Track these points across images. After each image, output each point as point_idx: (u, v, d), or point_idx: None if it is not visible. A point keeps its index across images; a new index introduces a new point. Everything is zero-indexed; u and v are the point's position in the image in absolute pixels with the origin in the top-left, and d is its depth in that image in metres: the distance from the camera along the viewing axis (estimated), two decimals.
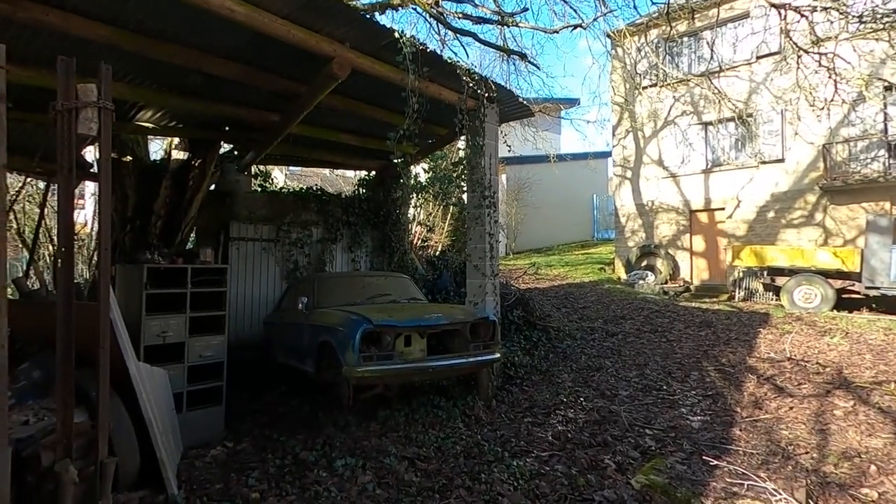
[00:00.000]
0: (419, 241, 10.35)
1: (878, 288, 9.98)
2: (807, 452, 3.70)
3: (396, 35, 4.22)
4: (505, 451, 3.83)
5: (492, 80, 5.36)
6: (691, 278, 15.03)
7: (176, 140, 6.54)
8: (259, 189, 8.14)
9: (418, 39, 4.40)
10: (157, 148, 11.09)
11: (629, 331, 7.94)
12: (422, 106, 4.82)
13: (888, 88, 11.53)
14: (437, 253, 11.57)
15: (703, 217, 15.03)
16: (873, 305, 10.43)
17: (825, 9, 7.49)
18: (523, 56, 7.54)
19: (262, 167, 8.41)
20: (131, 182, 6.12)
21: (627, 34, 9.84)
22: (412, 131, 4.63)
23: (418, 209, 10.31)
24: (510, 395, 5.32)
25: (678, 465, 3.51)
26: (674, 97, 15.34)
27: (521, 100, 6.07)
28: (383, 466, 3.53)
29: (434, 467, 3.56)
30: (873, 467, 3.41)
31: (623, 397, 5.10)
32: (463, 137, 6.20)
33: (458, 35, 9.08)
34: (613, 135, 17.01)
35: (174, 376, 4.11)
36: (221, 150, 7.37)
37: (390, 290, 5.84)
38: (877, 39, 9.00)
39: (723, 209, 14.47)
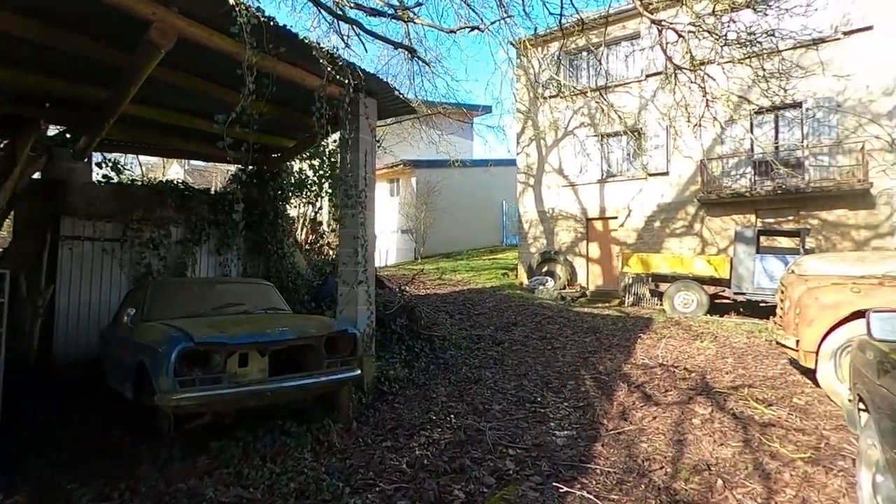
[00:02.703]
0: (307, 245, 9.60)
1: (744, 293, 10.82)
2: (661, 468, 3.59)
3: (232, 2, 3.60)
4: (347, 487, 3.34)
5: (361, 69, 4.88)
6: (587, 284, 15.57)
7: None
8: (103, 180, 7.00)
9: (263, 11, 3.80)
10: None
11: (517, 338, 7.82)
12: (280, 90, 4.24)
13: (756, 112, 12.66)
14: (332, 257, 10.86)
15: (599, 225, 15.66)
16: (740, 309, 11.30)
17: (697, 27, 7.91)
18: (412, 50, 7.13)
19: (110, 155, 7.26)
20: None
21: (529, 45, 9.88)
22: (249, 116, 4.00)
23: (307, 209, 9.55)
24: (377, 413, 4.85)
25: (531, 491, 3.22)
26: (573, 109, 15.87)
27: (398, 94, 5.66)
28: None
29: None
30: (720, 481, 3.34)
31: (495, 412, 4.82)
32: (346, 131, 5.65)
33: (356, 29, 8.56)
34: (518, 143, 17.30)
35: None
36: (51, 133, 6.22)
37: (245, 300, 5.13)
38: (743, 65, 9.76)
39: (615, 218, 15.17)
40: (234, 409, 3.84)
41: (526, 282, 15.56)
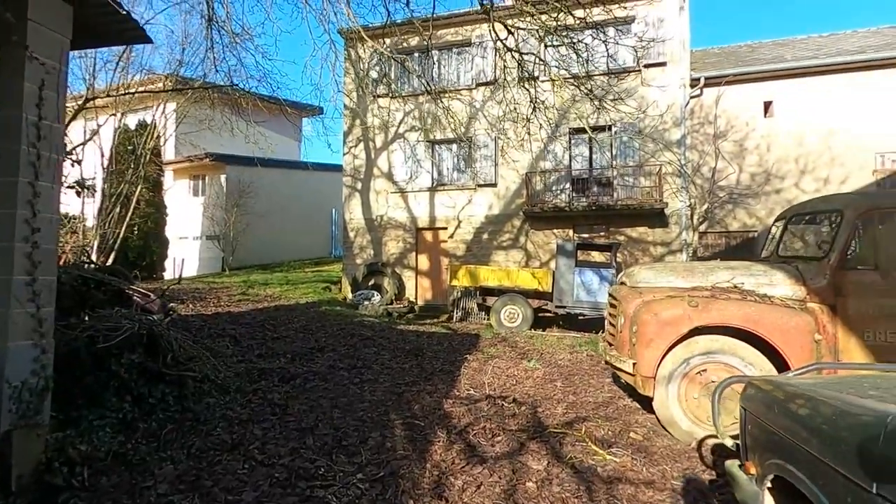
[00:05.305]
0: None
1: (565, 307, 10.75)
2: None
3: None
4: None
5: None
6: (416, 298, 14.55)
7: None
8: None
9: None
10: None
11: (319, 369, 6.09)
12: None
13: (577, 131, 13.11)
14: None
15: (429, 236, 14.82)
16: (561, 323, 11.26)
17: (527, 24, 7.34)
18: None
19: None
20: None
21: (358, 35, 8.42)
22: None
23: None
24: None
25: None
26: (404, 111, 14.89)
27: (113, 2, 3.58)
28: None
29: None
30: None
31: None
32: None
33: None
34: (344, 142, 15.66)
35: None
36: None
37: None
38: (566, 86, 9.65)
39: (445, 229, 14.48)
40: None
41: (350, 296, 13.90)
